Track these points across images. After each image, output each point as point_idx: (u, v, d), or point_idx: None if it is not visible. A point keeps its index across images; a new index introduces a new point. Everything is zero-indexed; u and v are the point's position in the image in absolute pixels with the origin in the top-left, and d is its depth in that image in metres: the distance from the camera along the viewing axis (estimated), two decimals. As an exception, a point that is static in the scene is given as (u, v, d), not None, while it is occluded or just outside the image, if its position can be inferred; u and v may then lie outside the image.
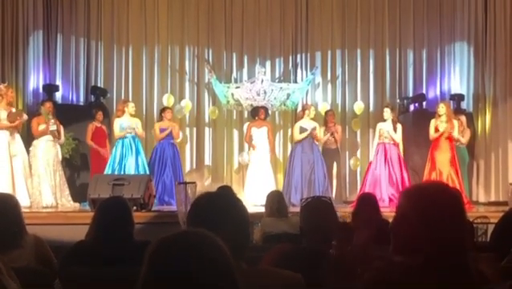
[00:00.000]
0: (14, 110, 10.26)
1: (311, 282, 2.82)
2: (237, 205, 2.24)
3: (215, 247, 1.57)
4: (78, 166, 12.44)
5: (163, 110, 12.01)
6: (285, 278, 2.29)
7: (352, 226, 5.80)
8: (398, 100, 14.00)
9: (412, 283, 1.96)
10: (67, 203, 10.41)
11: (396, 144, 11.48)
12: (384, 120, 11.50)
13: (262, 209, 7.66)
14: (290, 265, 3.00)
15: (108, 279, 3.50)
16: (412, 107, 13.71)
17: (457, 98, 13.22)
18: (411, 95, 13.94)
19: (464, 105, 13.29)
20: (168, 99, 13.24)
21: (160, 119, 11.86)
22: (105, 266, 3.56)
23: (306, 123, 11.67)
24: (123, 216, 3.75)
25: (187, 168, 13.42)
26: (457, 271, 1.98)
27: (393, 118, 11.47)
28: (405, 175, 11.41)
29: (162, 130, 11.65)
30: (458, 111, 12.53)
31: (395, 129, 11.38)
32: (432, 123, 10.92)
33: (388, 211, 8.35)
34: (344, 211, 6.70)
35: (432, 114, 11.37)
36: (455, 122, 10.97)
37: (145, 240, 3.91)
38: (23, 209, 8.99)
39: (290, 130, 13.44)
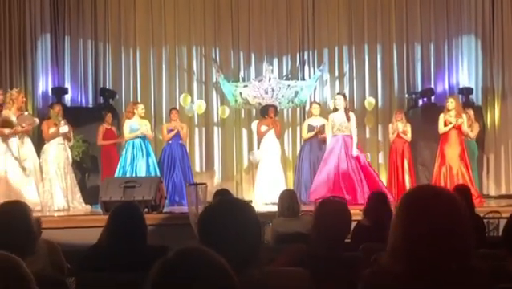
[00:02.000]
0: (26, 113, 10.31)
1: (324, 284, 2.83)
2: (244, 210, 2.24)
3: (214, 264, 1.63)
4: (88, 168, 12.48)
5: (170, 110, 12.10)
6: (292, 274, 2.30)
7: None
8: (407, 95, 13.98)
9: None
10: (79, 205, 10.43)
11: (351, 136, 10.62)
12: (336, 110, 10.74)
13: (273, 208, 7.68)
14: (301, 266, 3.03)
15: (124, 285, 3.51)
16: (420, 102, 13.67)
17: (466, 91, 13.19)
18: (419, 89, 13.89)
19: (472, 98, 13.26)
20: (184, 99, 13.25)
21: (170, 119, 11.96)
22: (120, 271, 3.58)
23: (315, 120, 11.66)
24: (136, 222, 3.76)
25: (196, 167, 13.43)
26: (450, 277, 1.95)
27: (346, 106, 10.67)
28: (359, 168, 10.54)
29: (169, 131, 11.72)
30: (467, 104, 12.49)
31: (348, 119, 10.58)
32: (441, 117, 10.88)
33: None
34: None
35: (441, 108, 11.33)
36: (464, 116, 10.95)
37: (159, 245, 3.95)
38: (35, 213, 9.06)
39: (298, 128, 13.44)
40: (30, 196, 9.83)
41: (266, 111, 12.15)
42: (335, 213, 3.41)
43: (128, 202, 4.04)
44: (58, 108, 10.79)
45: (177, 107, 12.60)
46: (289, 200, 6.54)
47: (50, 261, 3.85)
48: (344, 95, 11.09)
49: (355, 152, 10.52)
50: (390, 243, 2.04)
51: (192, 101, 13.34)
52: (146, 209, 8.22)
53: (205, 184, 7.93)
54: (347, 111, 10.64)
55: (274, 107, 12.30)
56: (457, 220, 1.98)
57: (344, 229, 3.41)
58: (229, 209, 2.22)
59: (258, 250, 2.23)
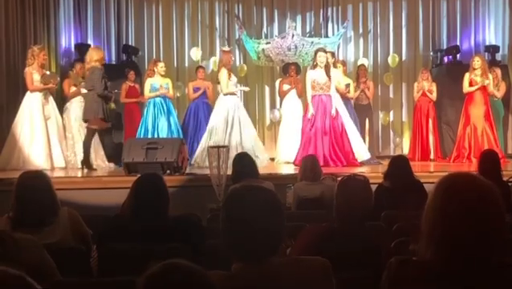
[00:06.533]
0: (48, 72, 10.32)
1: (344, 265, 2.83)
2: (269, 199, 2.23)
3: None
4: (112, 125, 12.49)
5: (197, 69, 12.06)
6: (312, 263, 2.29)
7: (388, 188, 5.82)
8: (431, 53, 13.78)
9: (428, 281, 1.91)
10: (102, 163, 10.49)
11: (330, 95, 10.18)
12: (315, 66, 10.19)
13: (294, 169, 7.66)
14: (323, 247, 3.03)
15: (146, 256, 3.54)
16: (445, 60, 13.46)
17: (492, 49, 12.97)
18: (444, 47, 13.67)
19: (499, 57, 13.04)
20: (196, 53, 13.19)
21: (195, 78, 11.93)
22: (142, 242, 3.60)
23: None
24: (159, 194, 3.77)
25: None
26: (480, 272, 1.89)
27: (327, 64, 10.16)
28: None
29: (196, 90, 11.71)
30: (493, 63, 12.31)
31: (329, 77, 10.11)
32: (467, 76, 10.76)
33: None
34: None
35: (467, 66, 11.19)
36: (490, 76, 10.80)
37: (182, 214, 3.98)
38: (59, 172, 9.15)
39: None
40: (55, 154, 9.97)
41: (287, 70, 12.09)
42: (356, 192, 3.38)
43: (151, 173, 4.04)
44: (79, 67, 10.80)
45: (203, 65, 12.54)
46: (311, 164, 6.54)
47: (71, 230, 3.87)
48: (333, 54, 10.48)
49: (334, 111, 10.20)
50: (423, 228, 1.95)
51: (206, 57, 13.25)
52: (168, 171, 8.25)
53: (226, 146, 7.93)
54: (327, 69, 10.17)
55: (296, 65, 12.19)
56: (494, 211, 1.92)
57: (365, 208, 3.38)
58: (253, 198, 2.20)
59: (280, 239, 2.22)
